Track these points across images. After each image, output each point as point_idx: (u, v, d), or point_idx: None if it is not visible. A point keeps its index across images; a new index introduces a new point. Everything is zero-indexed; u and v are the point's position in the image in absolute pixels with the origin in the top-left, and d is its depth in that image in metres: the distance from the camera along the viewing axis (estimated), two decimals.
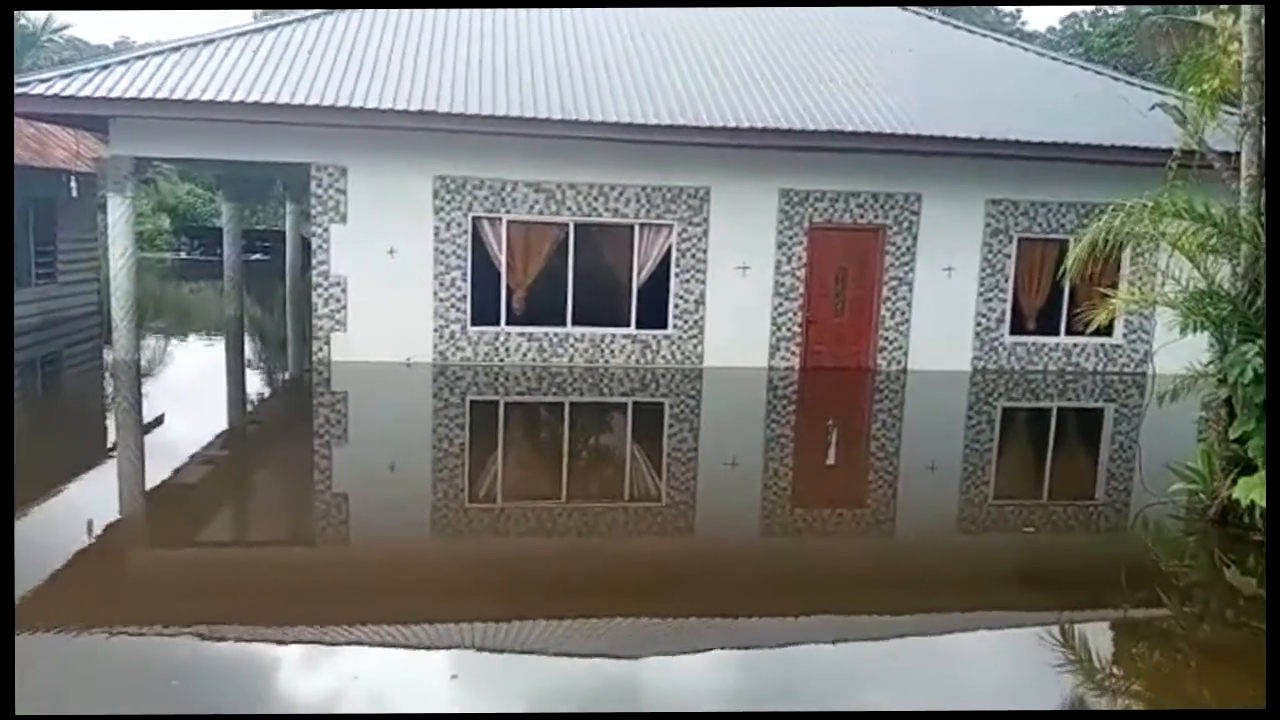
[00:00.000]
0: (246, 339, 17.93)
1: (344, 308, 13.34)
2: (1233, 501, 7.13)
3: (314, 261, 13.37)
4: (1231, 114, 8.24)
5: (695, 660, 5.31)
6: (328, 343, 13.39)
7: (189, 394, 12.59)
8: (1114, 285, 11.45)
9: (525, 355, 13.81)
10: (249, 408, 12.22)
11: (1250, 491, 6.82)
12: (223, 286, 19.96)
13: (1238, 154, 7.70)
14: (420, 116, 12.31)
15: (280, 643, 5.24)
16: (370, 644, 5.30)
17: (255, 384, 14.40)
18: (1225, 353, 7.31)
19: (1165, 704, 5.04)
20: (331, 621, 5.46)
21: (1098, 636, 5.76)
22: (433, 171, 13.26)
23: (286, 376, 14.66)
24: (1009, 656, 5.58)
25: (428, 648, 5.38)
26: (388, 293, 13.29)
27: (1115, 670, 5.38)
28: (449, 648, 5.38)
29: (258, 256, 32.55)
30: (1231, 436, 7.22)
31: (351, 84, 12.69)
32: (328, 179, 13.13)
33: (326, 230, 13.23)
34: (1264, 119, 7.41)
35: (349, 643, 5.29)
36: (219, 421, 11.03)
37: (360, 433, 10.79)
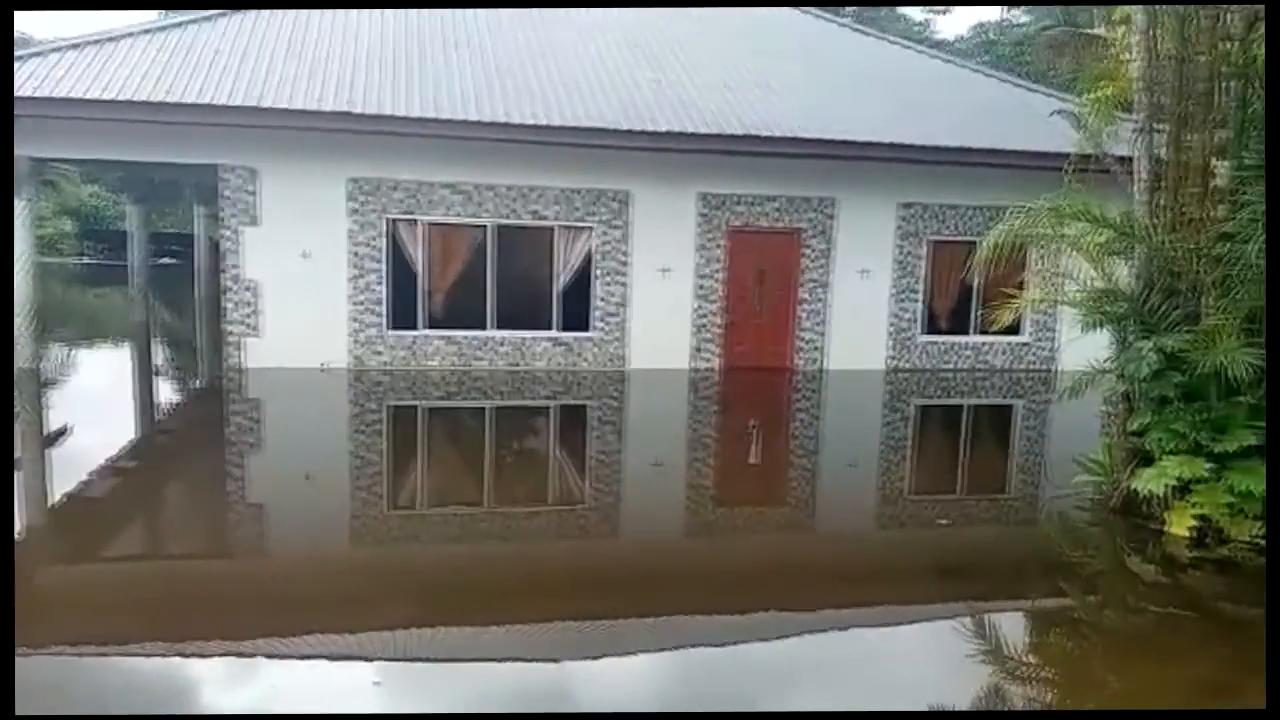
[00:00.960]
0: (156, 346, 17.34)
1: (256, 312, 13.02)
2: (1133, 492, 7.43)
3: (224, 265, 13.02)
4: (1128, 120, 8.60)
5: (624, 663, 5.31)
6: (240, 348, 13.05)
7: (95, 403, 12.12)
8: (1021, 286, 11.84)
9: (445, 359, 13.66)
10: (159, 417, 11.83)
11: (1149, 482, 7.12)
12: (129, 292, 19.28)
13: (1134, 159, 8.05)
14: (333, 117, 12.11)
15: (197, 657, 5.08)
16: (290, 656, 5.17)
17: (165, 392, 13.95)
18: (1124, 349, 7.62)
19: (1074, 690, 5.21)
20: (249, 635, 5.31)
21: (1009, 626, 5.95)
22: (347, 173, 13.03)
23: (198, 384, 14.22)
24: (926, 648, 5.71)
25: (350, 658, 5.26)
26: (302, 297, 13.02)
27: (1027, 658, 5.54)
28: (372, 658, 5.27)
29: (167, 261, 31.53)
30: (1130, 429, 7.51)
31: (261, 83, 12.41)
32: (237, 181, 12.80)
33: (237, 233, 12.90)
34: (1153, 125, 7.75)
35: (268, 655, 5.15)
36: (127, 432, 10.64)
37: (275, 441, 10.54)
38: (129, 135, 12.21)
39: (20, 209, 12.30)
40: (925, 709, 4.66)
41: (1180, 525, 7.08)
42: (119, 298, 22.41)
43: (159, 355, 16.91)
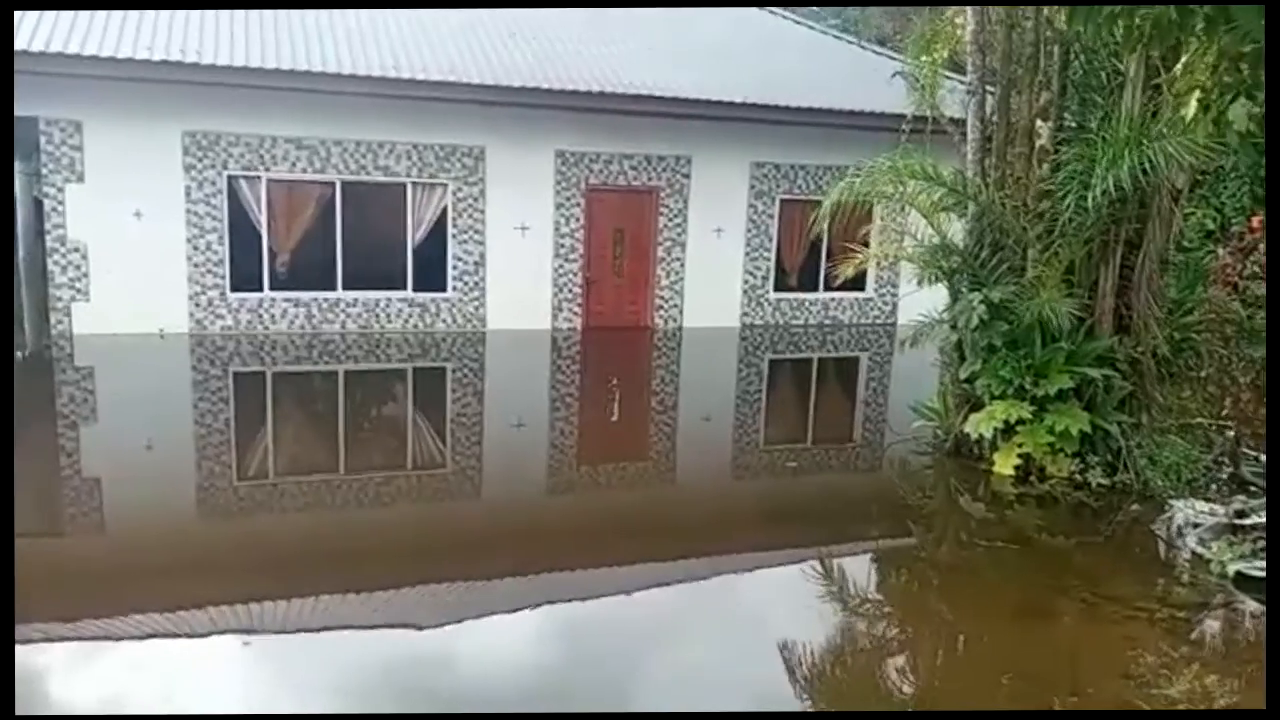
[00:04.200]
0: None
1: (85, 275, 12.23)
2: (965, 435, 7.91)
3: (48, 225, 12.15)
4: (962, 83, 9.02)
5: (494, 624, 5.32)
6: (68, 314, 12.27)
7: None
8: (866, 244, 12.30)
9: (293, 322, 13.19)
10: None
11: (978, 426, 7.59)
12: None
13: (966, 120, 8.46)
14: (162, 67, 11.37)
15: (40, 641, 4.80)
16: (143, 636, 4.93)
17: None
18: (956, 301, 8.06)
19: (911, 622, 5.57)
20: (94, 615, 5.05)
21: (853, 566, 6.27)
22: (181, 126, 12.31)
23: (23, 354, 13.26)
24: (778, 591, 5.97)
25: (209, 634, 5.05)
26: (135, 258, 12.30)
27: (870, 595, 5.87)
28: (233, 631, 5.09)
29: None
30: (962, 377, 7.96)
31: (84, 28, 11.52)
32: (59, 135, 11.94)
33: (61, 191, 12.06)
34: (984, 88, 8.16)
35: (119, 637, 4.91)
36: None
37: (111, 412, 9.96)
38: None
39: None
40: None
41: (1006, 464, 7.59)
42: None
43: None
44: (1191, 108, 5.16)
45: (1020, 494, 7.39)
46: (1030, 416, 7.38)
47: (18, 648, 4.67)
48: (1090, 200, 6.78)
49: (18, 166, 20.83)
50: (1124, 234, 7.55)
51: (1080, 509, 7.08)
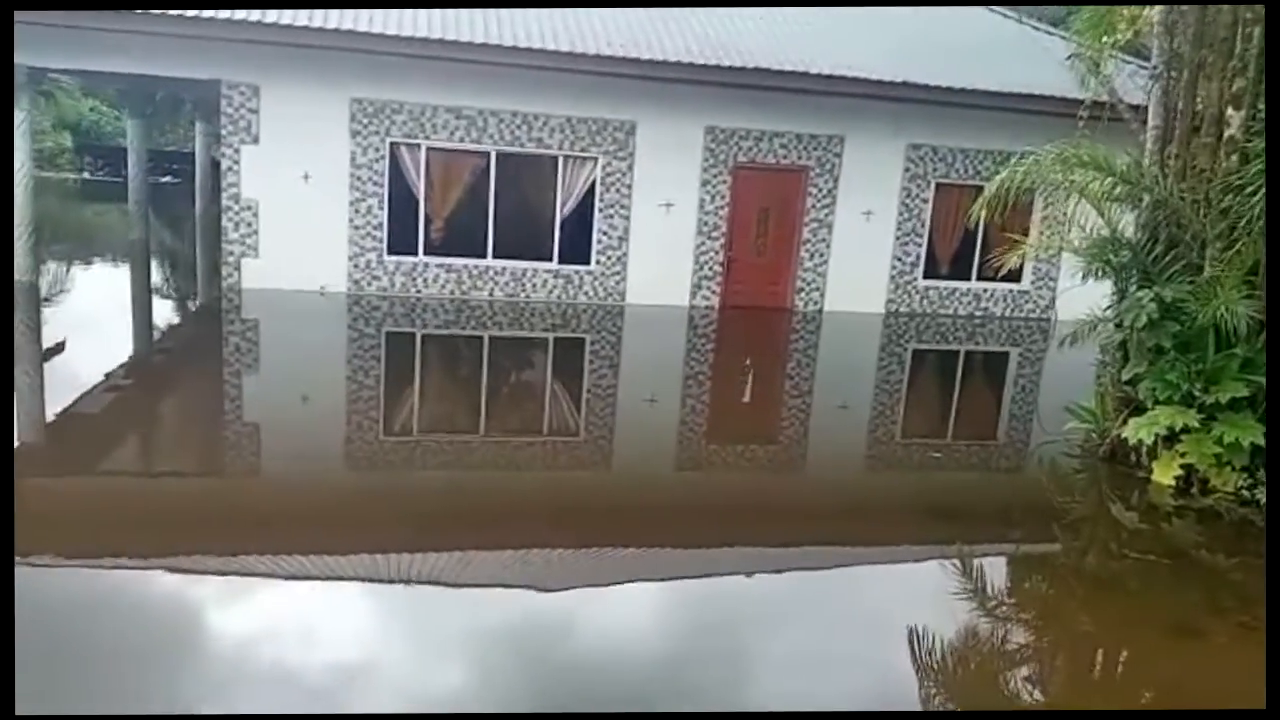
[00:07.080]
0: (153, 264, 17.30)
1: (255, 233, 12.95)
2: (1122, 441, 7.48)
3: (224, 184, 12.92)
4: (1142, 66, 8.46)
5: (615, 592, 5.40)
6: (238, 269, 13.02)
7: (91, 320, 12.12)
8: (1025, 232, 11.73)
9: (444, 287, 13.63)
10: (155, 335, 11.84)
11: (1139, 431, 7.16)
12: (128, 209, 19.17)
13: (1147, 106, 7.94)
14: (337, 35, 11.88)
15: (189, 572, 5.15)
16: (286, 576, 5.24)
17: (162, 311, 13.94)
18: (1123, 298, 7.60)
19: (1048, 628, 5.32)
20: (244, 553, 5.38)
21: (992, 566, 6.05)
22: (350, 94, 12.85)
23: (195, 304, 14.21)
24: (910, 584, 5.82)
25: (344, 579, 5.33)
26: (301, 218, 12.94)
27: (1007, 599, 5.65)
28: (365, 579, 5.35)
29: (167, 179, 31.30)
30: (1124, 379, 7.53)
31: None
32: (239, 98, 12.64)
33: (237, 152, 12.77)
34: (1170, 73, 7.63)
35: (261, 574, 5.23)
36: (124, 349, 10.66)
37: (272, 362, 10.57)
38: (128, 47, 11.99)
39: (19, 119, 12.15)
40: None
41: (1166, 474, 7.14)
42: (117, 215, 22.25)
43: (156, 274, 16.89)
44: None
45: (1179, 506, 6.94)
46: (1197, 425, 6.91)
47: (172, 577, 5.04)
48: None
49: (199, 128, 22.31)
50: None
51: (1245, 526, 6.60)
